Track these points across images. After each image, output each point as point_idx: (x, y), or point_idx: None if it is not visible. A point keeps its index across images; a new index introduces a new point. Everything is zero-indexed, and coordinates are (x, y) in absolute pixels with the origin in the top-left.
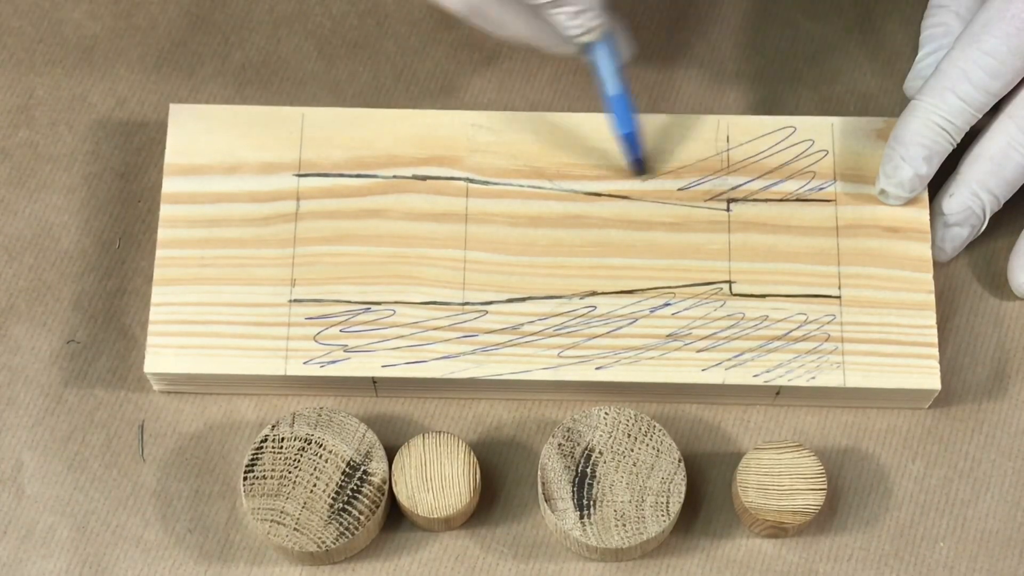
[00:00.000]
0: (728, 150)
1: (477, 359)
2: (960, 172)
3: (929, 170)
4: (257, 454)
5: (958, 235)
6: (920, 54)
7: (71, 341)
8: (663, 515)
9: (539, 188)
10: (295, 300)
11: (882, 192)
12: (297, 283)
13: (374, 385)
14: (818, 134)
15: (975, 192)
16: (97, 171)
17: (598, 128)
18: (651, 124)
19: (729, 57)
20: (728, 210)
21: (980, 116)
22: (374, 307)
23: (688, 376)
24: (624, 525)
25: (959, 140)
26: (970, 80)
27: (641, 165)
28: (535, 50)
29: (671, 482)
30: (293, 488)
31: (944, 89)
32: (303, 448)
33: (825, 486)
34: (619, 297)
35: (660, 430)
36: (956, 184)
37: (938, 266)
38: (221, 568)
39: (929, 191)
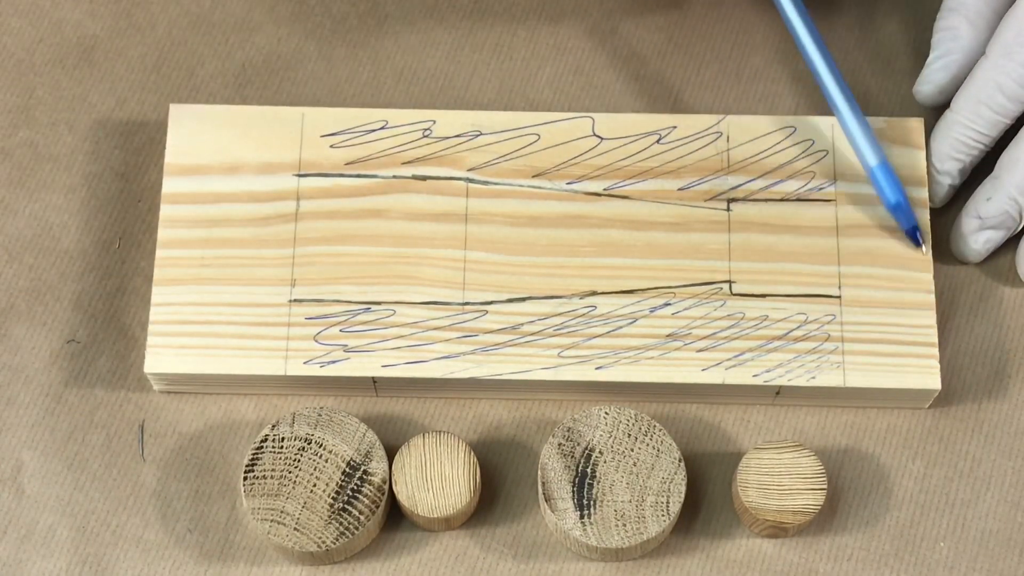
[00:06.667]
0: (728, 150)
1: (477, 359)
2: (998, 177)
3: (962, 180)
4: (257, 454)
5: (992, 237)
6: (931, 57)
7: (71, 341)
8: (663, 515)
9: (539, 188)
10: (295, 300)
11: None
12: (297, 283)
13: (374, 385)
14: (818, 134)
15: (1012, 197)
16: (97, 171)
17: (598, 128)
18: (651, 124)
19: (728, 57)
20: (728, 210)
21: (1012, 123)
22: (374, 307)
23: (688, 376)
24: (624, 525)
25: (992, 147)
26: (1004, 92)
27: (918, 235)
28: None
29: (671, 482)
30: (293, 488)
31: (979, 103)
32: (303, 448)
33: (825, 486)
34: (619, 297)
35: (660, 430)
36: (994, 188)
37: (938, 266)
38: (221, 568)
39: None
